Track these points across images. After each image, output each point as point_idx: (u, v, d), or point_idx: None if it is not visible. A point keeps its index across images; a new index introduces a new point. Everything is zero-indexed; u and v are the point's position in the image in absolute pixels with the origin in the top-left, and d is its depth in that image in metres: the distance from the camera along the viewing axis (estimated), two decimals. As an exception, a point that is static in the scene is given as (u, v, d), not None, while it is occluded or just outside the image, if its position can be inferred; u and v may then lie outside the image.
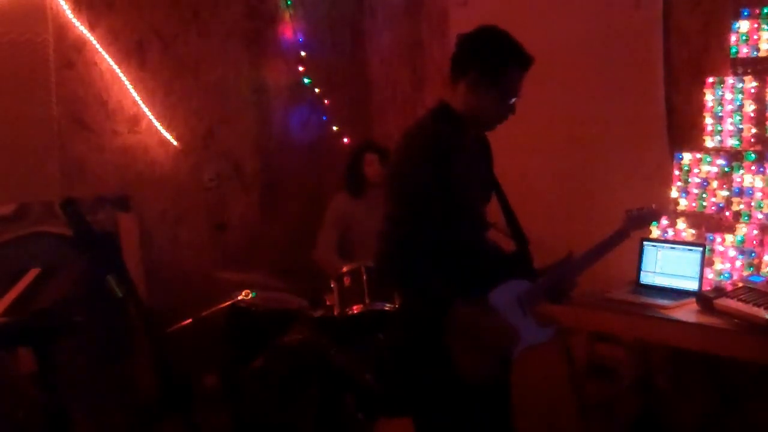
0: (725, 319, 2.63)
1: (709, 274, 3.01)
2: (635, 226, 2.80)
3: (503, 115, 2.30)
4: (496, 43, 2.25)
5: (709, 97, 3.09)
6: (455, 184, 2.20)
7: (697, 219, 3.15)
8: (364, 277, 3.50)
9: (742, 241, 2.95)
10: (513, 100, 2.28)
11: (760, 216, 2.93)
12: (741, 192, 2.98)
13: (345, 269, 3.60)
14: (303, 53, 4.72)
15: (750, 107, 2.95)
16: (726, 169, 3.04)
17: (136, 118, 4.16)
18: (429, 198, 2.15)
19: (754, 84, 2.94)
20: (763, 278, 2.79)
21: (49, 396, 3.10)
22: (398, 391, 2.55)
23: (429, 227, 2.16)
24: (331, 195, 4.22)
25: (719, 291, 2.76)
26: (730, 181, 3.02)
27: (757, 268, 2.89)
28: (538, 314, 2.36)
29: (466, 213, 2.30)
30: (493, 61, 2.23)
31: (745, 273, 2.91)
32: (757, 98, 2.93)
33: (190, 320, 3.45)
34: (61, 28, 3.89)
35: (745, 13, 2.96)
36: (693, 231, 3.14)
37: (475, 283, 2.25)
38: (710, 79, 3.08)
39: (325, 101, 4.81)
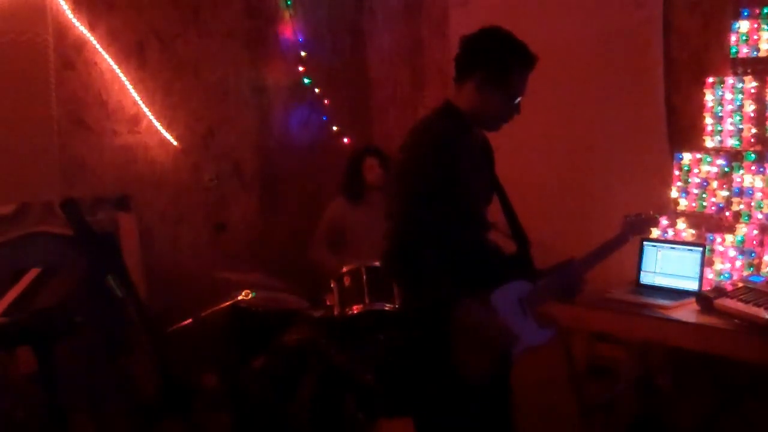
0: (725, 319, 2.63)
1: (709, 274, 3.01)
2: (633, 231, 2.80)
3: (509, 114, 2.32)
4: (502, 44, 2.26)
5: (709, 97, 3.09)
6: (460, 183, 2.22)
7: (697, 219, 3.15)
8: (364, 277, 3.50)
9: (742, 241, 2.95)
10: (518, 99, 2.30)
11: (760, 216, 2.93)
12: (741, 192, 2.99)
13: (345, 269, 3.60)
14: (303, 53, 4.72)
15: (750, 107, 2.95)
16: (726, 169, 3.04)
17: (136, 118, 4.15)
18: (435, 197, 2.16)
19: (754, 84, 2.94)
20: (763, 278, 2.79)
21: (49, 396, 3.10)
22: (400, 390, 2.55)
23: (435, 226, 2.16)
24: (330, 198, 4.22)
25: (719, 291, 2.76)
26: (730, 181, 3.02)
27: (757, 268, 2.90)
28: (539, 316, 2.37)
29: (469, 213, 2.31)
30: (500, 61, 2.25)
31: (745, 273, 2.91)
32: (757, 98, 2.93)
33: (190, 320, 3.45)
34: (61, 28, 3.88)
35: (745, 13, 2.96)
36: (693, 231, 3.14)
37: (477, 284, 2.25)
38: (710, 79, 3.09)
39: (325, 101, 4.80)
